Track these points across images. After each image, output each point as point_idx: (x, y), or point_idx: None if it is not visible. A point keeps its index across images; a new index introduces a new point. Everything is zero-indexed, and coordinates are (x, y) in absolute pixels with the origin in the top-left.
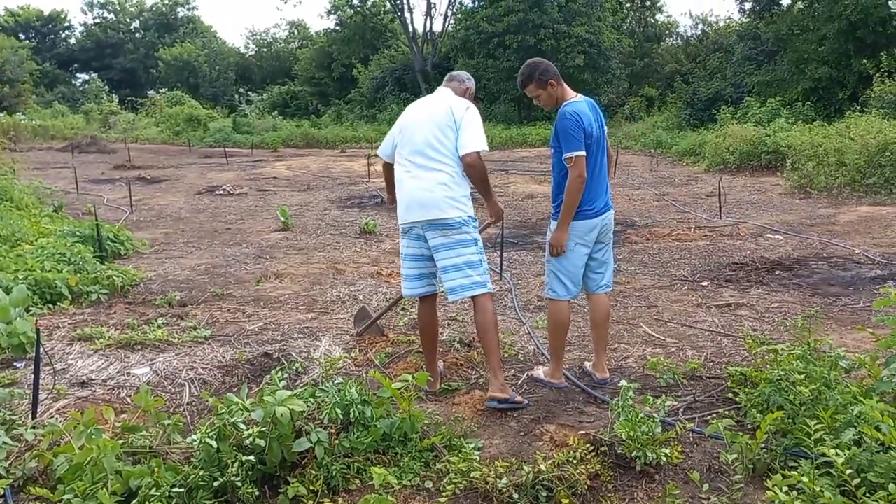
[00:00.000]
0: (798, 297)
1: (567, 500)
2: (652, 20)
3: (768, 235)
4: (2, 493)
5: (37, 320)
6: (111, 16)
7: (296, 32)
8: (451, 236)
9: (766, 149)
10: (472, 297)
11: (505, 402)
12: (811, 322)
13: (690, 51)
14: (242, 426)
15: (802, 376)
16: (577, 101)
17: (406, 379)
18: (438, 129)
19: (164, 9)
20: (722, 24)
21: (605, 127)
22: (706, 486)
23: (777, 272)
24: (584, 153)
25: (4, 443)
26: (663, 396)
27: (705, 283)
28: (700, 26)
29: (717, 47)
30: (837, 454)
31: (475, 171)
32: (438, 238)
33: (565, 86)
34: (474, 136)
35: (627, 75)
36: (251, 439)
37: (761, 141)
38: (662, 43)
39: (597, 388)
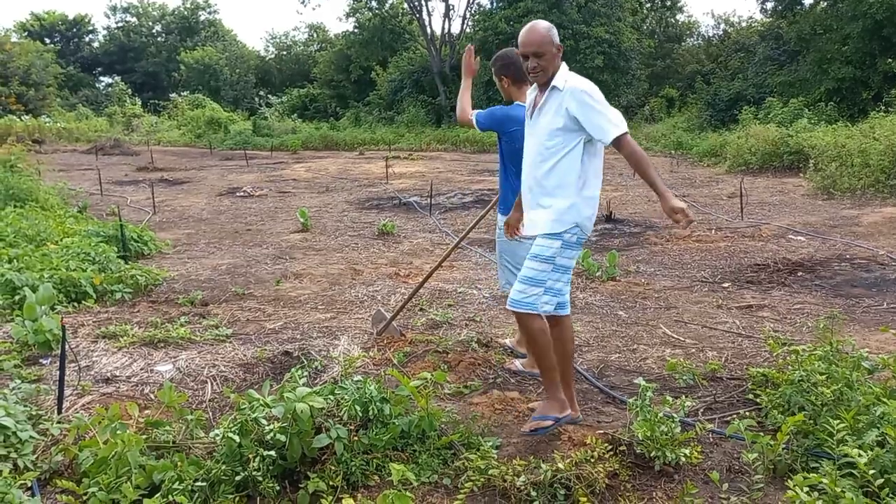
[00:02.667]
0: (820, 298)
1: (585, 499)
2: (672, 20)
3: (790, 237)
4: (29, 485)
5: (62, 318)
6: (134, 20)
7: (315, 35)
8: None
9: (788, 150)
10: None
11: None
12: (833, 323)
13: (712, 51)
14: (264, 422)
15: (824, 377)
16: (520, 105)
17: (424, 377)
18: None
19: (185, 12)
20: (744, 24)
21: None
22: (725, 486)
23: (799, 273)
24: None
25: (31, 437)
26: (683, 397)
27: (726, 285)
28: (721, 26)
29: (739, 47)
30: (860, 455)
31: None
32: None
33: (524, 91)
34: None
35: (647, 76)
36: (272, 435)
37: (783, 142)
38: (683, 43)
39: (615, 388)
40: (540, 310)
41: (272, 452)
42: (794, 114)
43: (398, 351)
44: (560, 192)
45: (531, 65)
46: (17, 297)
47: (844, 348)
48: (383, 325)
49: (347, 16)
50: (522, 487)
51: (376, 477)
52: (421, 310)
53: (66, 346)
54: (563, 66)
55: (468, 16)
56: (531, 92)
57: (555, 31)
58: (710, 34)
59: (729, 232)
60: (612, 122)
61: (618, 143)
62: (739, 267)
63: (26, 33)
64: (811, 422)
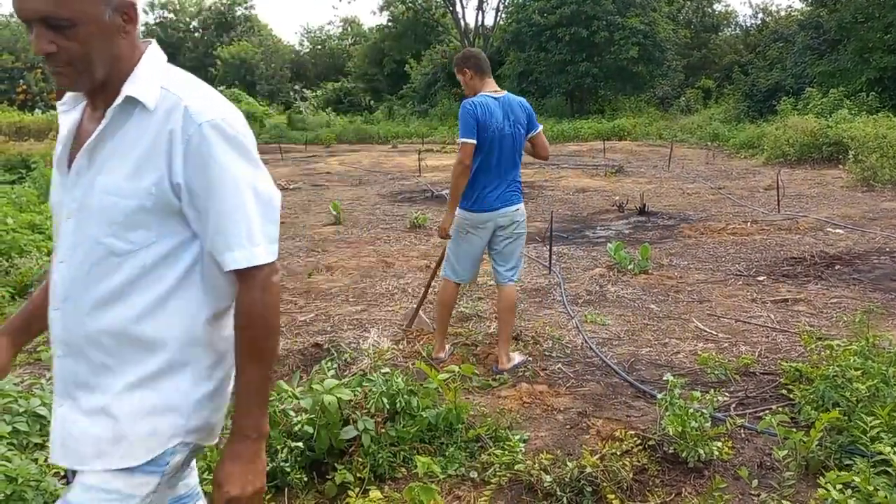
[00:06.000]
0: (858, 292)
1: (613, 495)
2: (709, 10)
3: (828, 230)
4: (63, 473)
5: None
6: (171, 15)
7: (349, 29)
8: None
9: (827, 141)
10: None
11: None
12: (870, 318)
13: (750, 41)
14: (292, 413)
15: (859, 373)
16: (486, 95)
17: (452, 370)
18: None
19: (222, 8)
20: (783, 13)
21: (524, 126)
22: (756, 483)
23: (837, 267)
24: (471, 141)
25: None
26: (713, 391)
27: (761, 278)
28: (760, 16)
29: (778, 37)
30: (895, 453)
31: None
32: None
33: (487, 81)
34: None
35: (683, 67)
36: (300, 426)
37: (823, 133)
38: (720, 33)
39: (645, 382)
40: None
41: (300, 444)
42: (833, 104)
43: (427, 344)
44: (143, 360)
45: (40, 47)
46: None
47: (881, 343)
48: (411, 317)
49: (381, 9)
50: (549, 483)
51: (403, 469)
52: None
53: None
54: (152, 52)
55: (501, 8)
56: (67, 106)
57: None
58: (748, 24)
59: (765, 225)
60: (262, 225)
61: (250, 279)
62: (775, 260)
63: None
64: (845, 418)
